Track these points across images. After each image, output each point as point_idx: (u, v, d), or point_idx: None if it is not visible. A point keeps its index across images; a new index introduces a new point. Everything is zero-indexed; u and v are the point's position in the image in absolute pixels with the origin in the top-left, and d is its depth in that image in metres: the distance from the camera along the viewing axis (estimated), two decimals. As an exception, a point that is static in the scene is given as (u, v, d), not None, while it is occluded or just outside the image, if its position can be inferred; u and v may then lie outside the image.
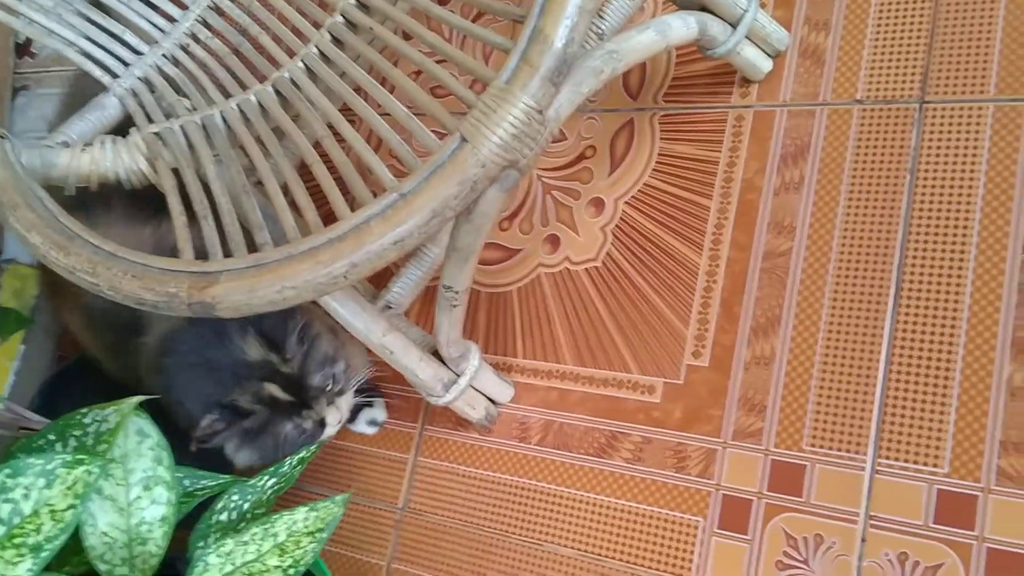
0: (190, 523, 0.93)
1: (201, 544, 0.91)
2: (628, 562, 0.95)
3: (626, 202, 1.08)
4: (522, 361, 1.09)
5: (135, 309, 0.92)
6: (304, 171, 0.79)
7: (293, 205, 0.76)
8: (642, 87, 1.11)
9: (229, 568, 0.87)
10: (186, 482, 0.94)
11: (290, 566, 0.88)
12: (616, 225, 1.08)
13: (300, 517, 0.89)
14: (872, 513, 0.85)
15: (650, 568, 0.94)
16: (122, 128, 0.96)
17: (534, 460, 1.04)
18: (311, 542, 0.89)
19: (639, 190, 1.07)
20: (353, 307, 0.85)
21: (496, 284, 1.14)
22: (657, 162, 1.07)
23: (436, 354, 0.97)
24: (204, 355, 0.92)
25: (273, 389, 0.91)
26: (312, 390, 0.93)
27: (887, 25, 0.98)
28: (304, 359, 0.92)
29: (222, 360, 0.91)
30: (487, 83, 0.67)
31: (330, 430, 0.96)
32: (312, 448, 0.95)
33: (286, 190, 0.78)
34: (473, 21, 0.80)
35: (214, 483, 0.96)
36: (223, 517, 0.94)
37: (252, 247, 0.75)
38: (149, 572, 0.85)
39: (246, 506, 0.96)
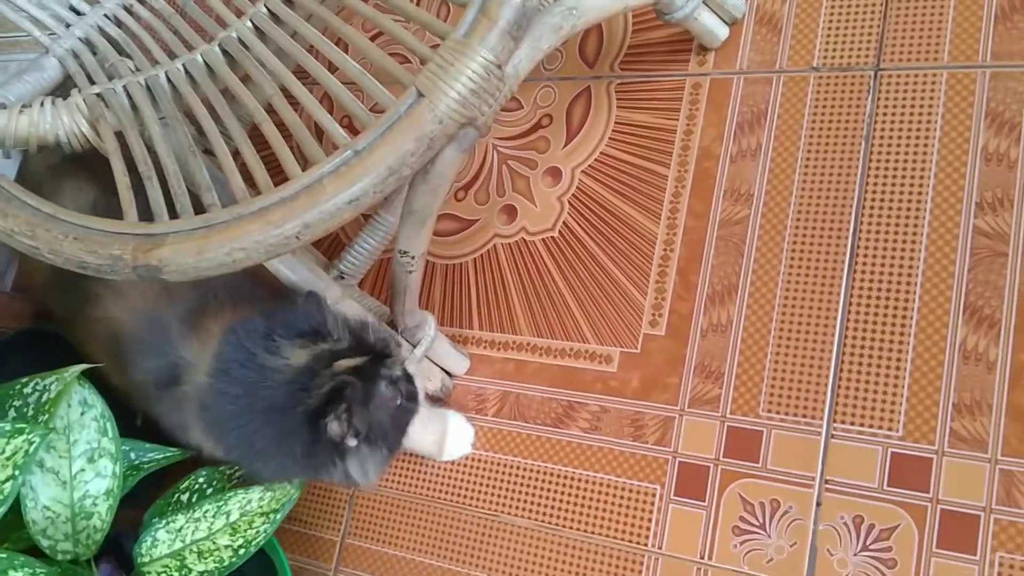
0: (134, 500, 0.90)
1: (156, 520, 0.88)
2: (586, 531, 0.95)
3: (583, 171, 1.07)
4: (478, 332, 1.07)
5: (170, 352, 0.85)
6: (255, 134, 0.77)
7: (244, 170, 0.74)
8: (599, 55, 1.10)
9: (178, 545, 0.85)
10: (132, 454, 0.91)
11: (240, 546, 0.86)
12: (573, 195, 1.06)
13: (255, 496, 0.87)
14: (828, 477, 0.85)
15: (608, 536, 0.93)
16: (64, 92, 0.92)
17: (490, 431, 1.03)
18: (264, 523, 0.87)
19: (596, 159, 1.06)
20: (305, 273, 0.83)
21: (452, 255, 1.12)
22: (614, 131, 1.06)
23: (391, 324, 0.95)
24: (256, 400, 0.80)
25: (344, 363, 0.80)
26: (379, 343, 0.83)
27: (843, -8, 0.98)
28: (348, 328, 0.82)
29: (276, 393, 0.79)
30: (444, 38, 0.65)
31: (419, 383, 0.87)
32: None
33: (236, 154, 0.76)
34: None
35: (161, 456, 0.93)
36: (184, 498, 0.91)
37: (200, 209, 0.73)
38: (93, 547, 0.82)
39: (210, 491, 0.93)
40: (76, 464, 0.81)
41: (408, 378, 0.85)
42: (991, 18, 0.90)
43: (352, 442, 0.80)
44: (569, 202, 1.06)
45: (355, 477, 0.83)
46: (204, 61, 0.85)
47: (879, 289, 0.88)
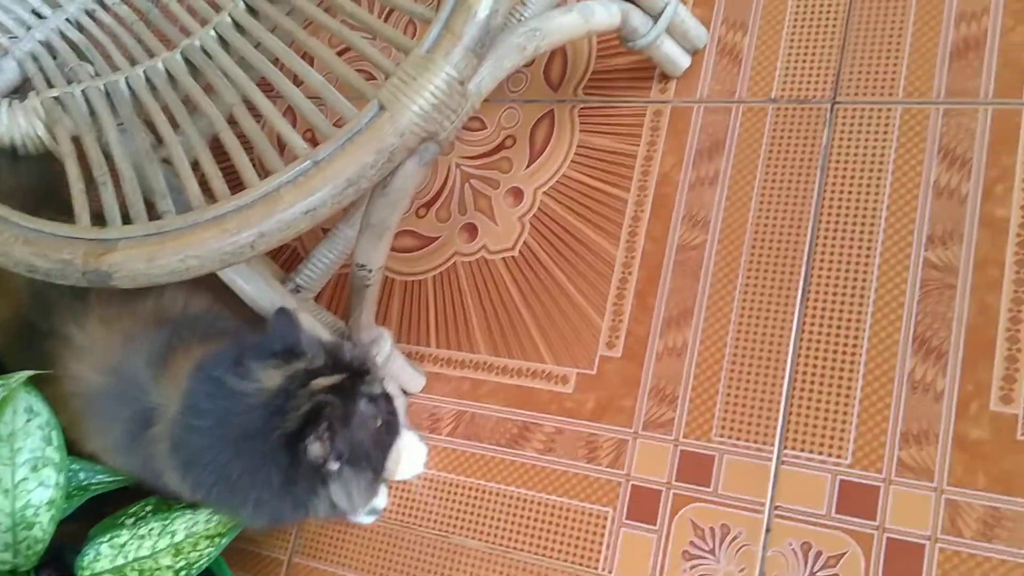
0: (81, 517, 0.88)
1: (100, 535, 0.86)
2: (537, 554, 0.94)
3: (545, 192, 1.07)
4: (435, 350, 1.07)
5: (141, 399, 0.81)
6: (216, 145, 0.76)
7: (203, 180, 0.73)
8: (563, 79, 1.11)
9: (120, 561, 0.83)
10: (82, 474, 0.89)
11: (182, 568, 0.84)
12: (534, 215, 1.07)
13: (202, 519, 0.85)
14: (777, 503, 0.86)
15: (559, 559, 0.93)
16: (23, 95, 0.91)
17: (444, 451, 1.02)
18: (208, 546, 0.85)
19: (558, 181, 1.07)
20: (260, 284, 0.82)
21: (411, 272, 1.12)
22: (576, 154, 1.07)
23: (347, 339, 0.94)
24: (229, 429, 0.76)
25: (322, 381, 0.76)
26: (356, 360, 0.79)
27: (802, 27, 1.00)
28: (323, 346, 0.79)
29: (250, 418, 0.75)
30: (408, 53, 0.65)
31: (400, 403, 0.84)
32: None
33: (196, 165, 0.75)
34: None
35: (110, 479, 0.91)
36: (131, 521, 0.89)
37: (155, 216, 0.72)
38: (34, 558, 0.80)
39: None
40: (19, 472, 0.79)
41: (387, 397, 0.82)
42: (946, 55, 0.92)
43: (334, 465, 0.76)
44: (530, 222, 1.07)
45: (339, 504, 0.78)
46: (165, 68, 0.85)
47: (831, 318, 0.89)
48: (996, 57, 0.90)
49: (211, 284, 0.84)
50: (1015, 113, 0.88)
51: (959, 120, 0.90)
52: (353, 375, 0.79)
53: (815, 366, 0.88)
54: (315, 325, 0.88)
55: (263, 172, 0.68)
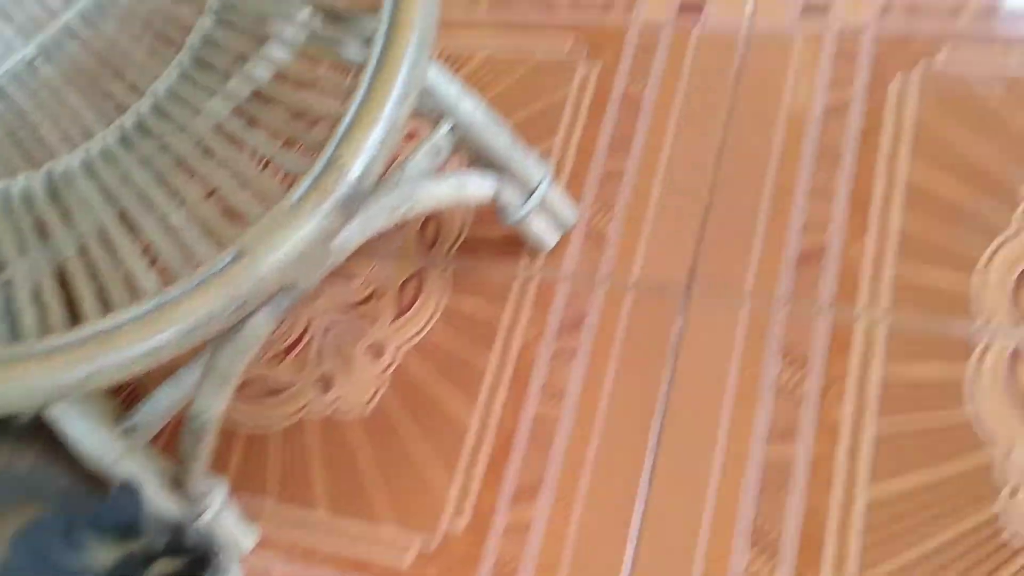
0: None
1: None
2: None
3: (406, 351, 1.07)
4: (273, 506, 1.02)
5: None
6: (64, 272, 0.73)
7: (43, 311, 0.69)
8: (437, 240, 1.13)
9: None
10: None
11: None
12: (393, 372, 1.06)
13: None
14: None
15: None
16: None
17: (270, 616, 0.96)
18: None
19: (421, 340, 1.07)
20: (84, 425, 0.76)
21: (257, 421, 1.08)
22: (442, 315, 1.08)
23: (179, 487, 0.89)
24: None
25: (161, 567, 0.70)
26: (199, 545, 0.73)
27: (664, 218, 1.06)
28: (165, 526, 0.72)
29: None
30: (276, 202, 0.65)
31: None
32: None
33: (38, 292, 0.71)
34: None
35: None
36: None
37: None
38: None
39: None
40: None
41: None
42: (792, 259, 0.99)
43: None
44: (389, 380, 1.05)
45: None
46: (23, 189, 0.82)
47: (674, 505, 0.90)
48: (837, 266, 0.97)
49: (42, 437, 0.78)
50: (851, 320, 0.94)
51: (800, 322, 0.95)
52: (194, 561, 0.72)
53: (655, 553, 0.88)
54: (144, 475, 0.82)
55: (108, 307, 0.66)
